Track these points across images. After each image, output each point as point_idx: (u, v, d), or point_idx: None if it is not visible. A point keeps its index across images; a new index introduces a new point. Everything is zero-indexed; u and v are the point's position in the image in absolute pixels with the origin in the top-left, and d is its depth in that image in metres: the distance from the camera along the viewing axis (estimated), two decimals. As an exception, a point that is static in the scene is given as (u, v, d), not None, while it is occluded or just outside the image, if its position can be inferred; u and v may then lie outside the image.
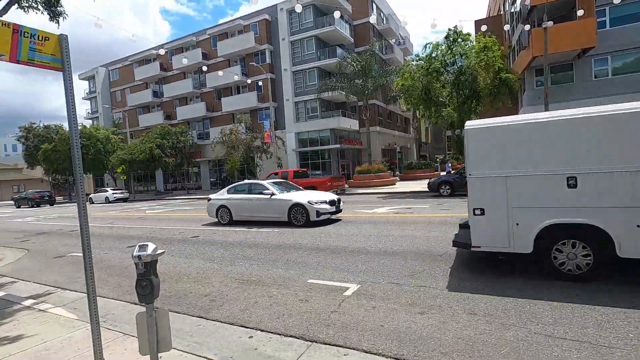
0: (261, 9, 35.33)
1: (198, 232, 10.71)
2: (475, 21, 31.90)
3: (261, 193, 10.87)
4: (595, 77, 21.03)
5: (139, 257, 2.68)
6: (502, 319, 3.64)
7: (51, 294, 5.57)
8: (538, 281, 4.54)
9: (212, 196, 12.45)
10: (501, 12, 32.98)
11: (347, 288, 4.86)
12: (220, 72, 30.01)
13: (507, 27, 21.96)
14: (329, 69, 32.98)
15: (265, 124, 27.67)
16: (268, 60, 34.64)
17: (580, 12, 18.10)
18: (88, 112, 52.52)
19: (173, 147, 34.77)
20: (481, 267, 5.31)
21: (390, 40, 41.52)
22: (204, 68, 28.38)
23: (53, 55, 2.80)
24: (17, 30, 2.59)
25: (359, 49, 32.75)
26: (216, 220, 11.96)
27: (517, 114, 29.18)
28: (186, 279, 5.96)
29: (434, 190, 16.33)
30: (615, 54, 20.42)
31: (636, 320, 3.40)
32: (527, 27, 19.07)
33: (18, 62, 2.61)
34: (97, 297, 2.95)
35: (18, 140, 47.02)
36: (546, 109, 17.95)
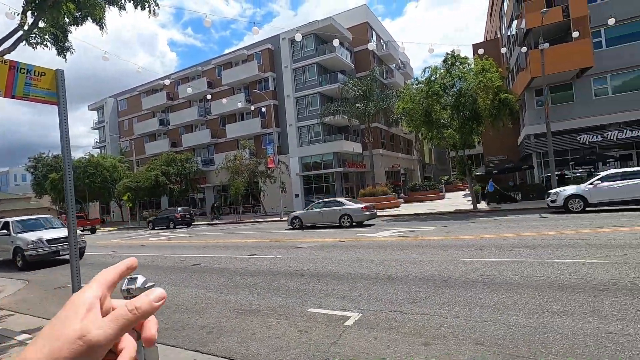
0: (264, 38, 36.61)
1: (200, 259, 10.58)
2: (473, 45, 32.61)
3: None
4: (595, 96, 21.14)
5: (128, 290, 2.59)
6: (510, 349, 3.45)
7: (46, 328, 5.44)
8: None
9: None
10: (498, 36, 33.73)
11: (348, 317, 4.70)
12: (224, 100, 30.71)
13: (504, 50, 22.39)
14: (330, 94, 33.61)
15: (269, 149, 27.90)
16: (271, 87, 35.45)
17: (575, 34, 18.43)
18: (96, 142, 53.58)
19: (178, 174, 35.13)
20: (487, 290, 5.11)
21: (390, 65, 42.44)
22: (209, 96, 29.12)
23: (49, 90, 2.85)
24: (14, 67, 2.65)
25: (360, 74, 33.45)
26: None
27: (519, 134, 29.20)
28: (184, 309, 5.82)
29: None
30: (614, 73, 20.60)
31: None
32: (524, 49, 19.42)
33: (13, 97, 2.65)
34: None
35: (27, 170, 47.86)
36: (548, 129, 17.93)
